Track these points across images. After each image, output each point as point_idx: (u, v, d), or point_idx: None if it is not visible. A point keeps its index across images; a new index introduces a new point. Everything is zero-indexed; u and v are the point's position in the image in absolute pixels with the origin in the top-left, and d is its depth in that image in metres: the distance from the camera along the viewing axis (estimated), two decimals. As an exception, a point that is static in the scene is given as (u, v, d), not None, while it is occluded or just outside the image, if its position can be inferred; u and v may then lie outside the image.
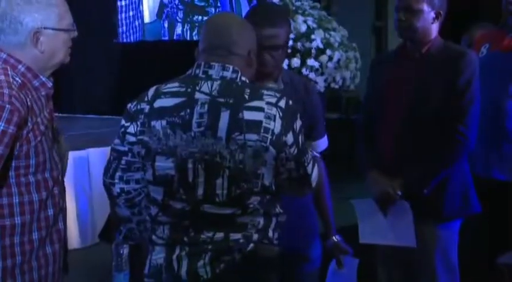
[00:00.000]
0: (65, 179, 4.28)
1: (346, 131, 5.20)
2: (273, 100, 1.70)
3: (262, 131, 1.66)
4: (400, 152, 2.39)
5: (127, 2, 6.55)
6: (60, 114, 6.08)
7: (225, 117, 1.67)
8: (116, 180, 1.80)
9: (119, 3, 6.51)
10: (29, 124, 1.72)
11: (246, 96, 1.69)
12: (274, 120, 1.67)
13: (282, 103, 1.71)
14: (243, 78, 1.75)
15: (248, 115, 1.66)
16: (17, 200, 1.76)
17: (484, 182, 2.66)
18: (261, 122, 1.67)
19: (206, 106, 1.69)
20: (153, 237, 1.79)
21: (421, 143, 2.35)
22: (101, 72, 6.91)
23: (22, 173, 1.75)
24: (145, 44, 6.73)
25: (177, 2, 6.47)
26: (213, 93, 1.70)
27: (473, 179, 2.50)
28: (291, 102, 1.73)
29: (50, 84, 1.81)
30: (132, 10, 6.58)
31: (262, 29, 2.05)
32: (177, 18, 6.46)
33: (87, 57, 6.67)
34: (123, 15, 6.57)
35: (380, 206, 2.42)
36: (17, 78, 1.73)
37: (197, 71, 1.75)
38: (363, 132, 2.56)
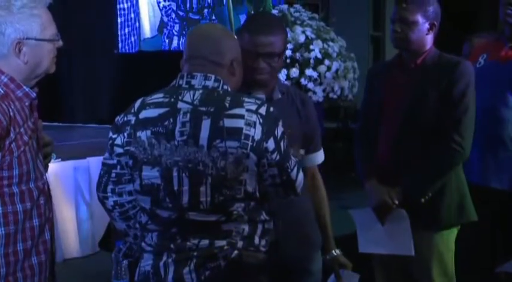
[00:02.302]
0: (66, 188, 4.28)
1: (344, 141, 5.23)
2: (253, 107, 1.72)
3: (242, 137, 1.68)
4: (397, 161, 2.41)
5: (122, 19, 6.60)
6: (60, 124, 6.12)
7: (206, 125, 1.69)
8: (109, 194, 1.82)
9: (118, 19, 6.57)
10: (12, 134, 1.71)
11: (227, 104, 1.71)
12: (255, 127, 1.69)
13: (263, 110, 1.72)
14: (225, 87, 1.76)
15: (229, 123, 1.68)
16: (1, 211, 1.74)
17: (481, 191, 2.67)
18: (241, 129, 1.68)
19: (188, 115, 1.70)
20: (143, 244, 1.81)
21: (418, 152, 2.37)
22: (101, 82, 6.94)
23: (5, 183, 1.73)
24: (145, 54, 6.77)
25: (173, 16, 6.54)
26: (195, 103, 1.72)
27: (471, 188, 2.51)
28: (272, 109, 1.75)
29: (33, 95, 1.79)
30: (128, 27, 6.64)
31: (257, 37, 2.08)
32: (174, 31, 6.53)
33: (87, 68, 6.70)
34: (121, 31, 6.63)
35: (378, 215, 2.44)
36: None
37: (180, 82, 1.77)
38: (360, 141, 2.58)
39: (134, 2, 6.59)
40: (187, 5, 6.50)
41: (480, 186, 2.70)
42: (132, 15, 6.62)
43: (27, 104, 1.78)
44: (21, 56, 1.75)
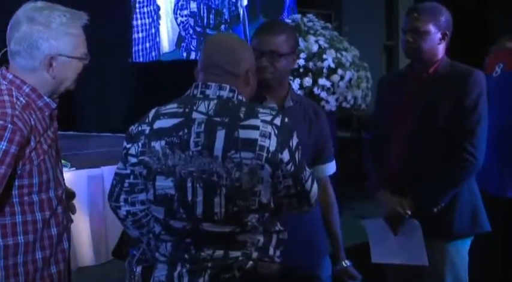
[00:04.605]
0: (79, 197, 4.33)
1: (357, 150, 5.21)
2: (268, 118, 1.71)
3: (257, 149, 1.67)
4: (409, 171, 2.40)
5: (144, 34, 6.67)
6: (75, 133, 6.17)
7: (221, 136, 1.68)
8: (121, 203, 1.82)
9: (140, 34, 6.62)
10: (32, 143, 1.74)
11: (241, 115, 1.70)
12: (270, 138, 1.68)
13: (277, 121, 1.72)
14: (240, 97, 1.76)
15: (243, 133, 1.68)
16: (20, 219, 1.76)
17: (498, 201, 2.66)
18: (256, 140, 1.68)
19: (203, 125, 1.70)
20: (156, 254, 1.80)
21: (429, 162, 2.36)
22: (116, 91, 6.99)
23: (25, 192, 1.76)
24: (160, 64, 6.82)
25: (191, 32, 6.60)
26: (210, 113, 1.72)
27: (488, 199, 2.50)
28: (286, 119, 1.75)
29: (53, 105, 1.83)
30: (149, 42, 6.70)
31: (261, 36, 2.12)
32: (191, 46, 6.59)
33: (102, 77, 6.75)
34: (140, 46, 6.69)
35: (390, 225, 2.43)
36: (21, 99, 1.76)
37: (195, 91, 1.77)
38: (371, 151, 2.57)
39: (155, 17, 6.67)
40: (205, 21, 6.56)
41: (498, 198, 2.69)
42: (153, 31, 6.69)
43: (47, 113, 1.82)
44: (50, 71, 1.79)
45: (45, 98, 1.81)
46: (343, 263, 2.26)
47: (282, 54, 2.13)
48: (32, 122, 1.75)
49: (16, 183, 1.74)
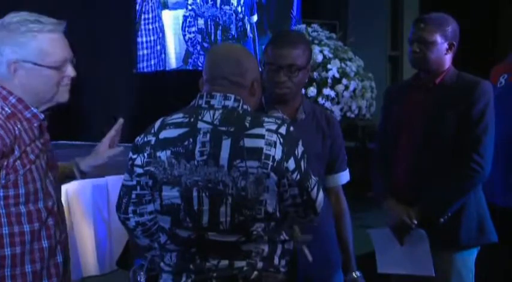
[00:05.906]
0: (84, 206, 4.28)
1: (362, 160, 5.20)
2: (274, 127, 1.71)
3: (263, 157, 1.67)
4: (415, 181, 2.40)
5: (149, 51, 6.68)
6: (81, 142, 6.18)
7: (226, 145, 1.68)
8: (130, 215, 1.81)
9: (139, 52, 6.63)
10: (16, 152, 1.71)
11: (247, 124, 1.70)
12: (275, 147, 1.68)
13: (283, 129, 1.72)
14: (245, 107, 1.76)
15: (249, 142, 1.68)
16: (7, 231, 1.72)
17: (504, 211, 2.65)
18: (261, 149, 1.67)
19: (208, 135, 1.70)
20: (161, 264, 1.80)
21: (436, 172, 2.36)
22: (120, 101, 7.00)
23: (12, 203, 1.73)
24: (166, 73, 6.83)
25: (199, 48, 6.62)
26: (215, 122, 1.72)
27: (493, 209, 2.49)
28: (291, 128, 1.74)
29: (42, 116, 1.80)
30: (154, 58, 6.71)
31: (279, 49, 2.11)
32: (199, 63, 6.60)
33: (106, 86, 6.77)
34: (145, 63, 6.70)
35: (396, 235, 2.43)
36: (6, 109, 1.73)
37: (200, 102, 1.77)
38: (378, 161, 2.57)
39: (160, 35, 6.69)
40: (212, 37, 6.57)
41: (503, 208, 2.68)
42: (158, 48, 6.71)
43: (35, 125, 1.79)
44: (15, 78, 1.76)
45: (33, 109, 1.78)
46: (354, 274, 2.26)
47: (300, 68, 2.13)
48: (17, 132, 1.72)
49: (1, 194, 1.71)
